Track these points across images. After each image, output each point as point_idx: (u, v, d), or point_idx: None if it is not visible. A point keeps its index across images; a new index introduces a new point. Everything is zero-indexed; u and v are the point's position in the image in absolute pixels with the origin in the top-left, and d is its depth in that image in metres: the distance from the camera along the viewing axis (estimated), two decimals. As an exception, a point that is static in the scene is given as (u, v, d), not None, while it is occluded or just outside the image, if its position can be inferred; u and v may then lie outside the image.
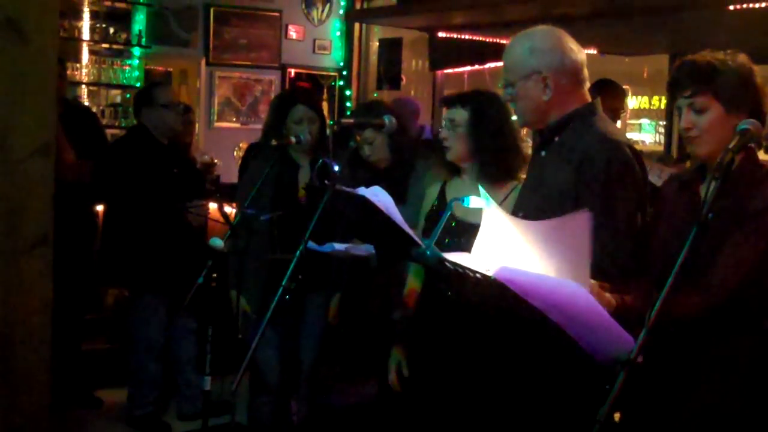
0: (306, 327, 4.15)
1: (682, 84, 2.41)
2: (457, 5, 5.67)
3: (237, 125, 8.11)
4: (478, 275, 2.05)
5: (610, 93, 5.52)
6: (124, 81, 7.31)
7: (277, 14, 8.18)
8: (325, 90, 8.51)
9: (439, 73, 7.60)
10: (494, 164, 3.26)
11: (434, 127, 6.80)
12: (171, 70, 7.75)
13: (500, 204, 3.17)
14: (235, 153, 7.81)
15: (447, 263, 2.22)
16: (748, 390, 2.38)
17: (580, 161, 2.64)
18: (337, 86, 8.55)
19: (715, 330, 2.35)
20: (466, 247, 3.13)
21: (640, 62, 9.01)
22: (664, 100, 9.01)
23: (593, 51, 7.29)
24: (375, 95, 8.70)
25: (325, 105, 8.46)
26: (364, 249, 3.42)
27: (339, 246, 3.40)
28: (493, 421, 3.02)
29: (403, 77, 8.36)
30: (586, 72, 2.82)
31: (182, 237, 4.77)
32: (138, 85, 7.27)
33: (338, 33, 8.53)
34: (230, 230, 3.51)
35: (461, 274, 2.17)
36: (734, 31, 5.51)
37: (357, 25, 8.50)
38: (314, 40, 8.43)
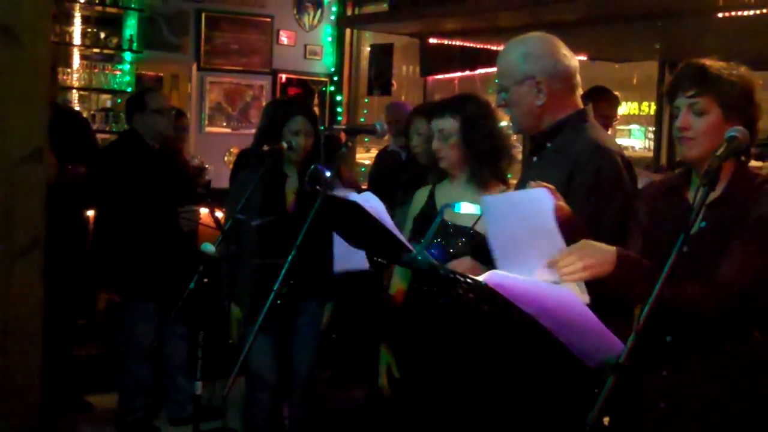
0: (300, 335, 4.15)
1: (685, 84, 2.42)
2: (448, 12, 5.69)
3: (228, 130, 8.12)
4: (469, 281, 2.07)
5: (603, 100, 5.57)
6: (115, 86, 7.31)
7: (268, 20, 8.19)
8: (316, 95, 8.52)
9: (429, 78, 7.63)
10: (486, 169, 3.28)
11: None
12: (162, 75, 7.77)
13: None
14: (225, 158, 7.83)
15: (438, 268, 2.24)
16: (737, 399, 2.39)
17: (570, 167, 2.67)
18: (327, 92, 8.57)
19: (706, 336, 2.36)
20: (453, 248, 3.17)
21: (630, 68, 9.07)
22: (653, 106, 9.05)
23: (583, 57, 7.33)
24: (366, 101, 8.72)
25: (316, 110, 8.48)
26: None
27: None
28: (483, 425, 3.03)
29: (394, 83, 8.38)
30: (578, 78, 2.85)
31: (173, 242, 4.77)
32: (129, 90, 7.27)
33: (329, 38, 8.55)
34: (221, 236, 3.52)
35: (452, 279, 2.18)
36: (723, 38, 5.56)
37: (348, 31, 8.52)
38: (305, 46, 8.44)
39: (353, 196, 2.79)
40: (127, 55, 7.35)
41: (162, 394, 5.11)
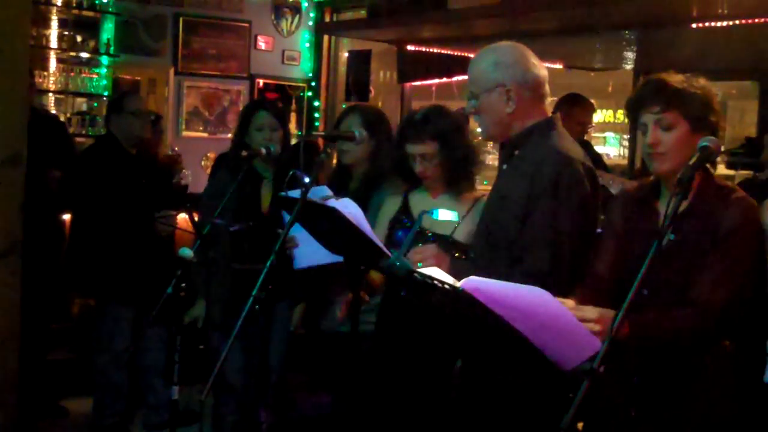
0: (271, 335, 4.16)
1: (649, 100, 2.46)
2: (425, 20, 5.73)
3: (205, 135, 8.11)
4: (446, 286, 2.09)
5: (579, 107, 5.63)
6: (92, 90, 7.27)
7: (246, 25, 8.20)
8: (294, 101, 8.53)
9: (407, 85, 7.66)
10: (462, 179, 3.36)
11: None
12: (139, 78, 7.74)
13: (465, 215, 3.26)
14: (203, 162, 7.82)
15: (416, 274, 2.27)
16: (707, 407, 2.43)
17: (532, 174, 2.73)
18: (305, 97, 8.58)
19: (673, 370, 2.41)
20: None
21: (605, 77, 9.14)
22: (628, 115, 9.13)
23: (559, 66, 7.39)
24: (344, 106, 8.73)
25: (293, 116, 8.49)
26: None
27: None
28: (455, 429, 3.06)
29: (372, 89, 8.40)
30: (547, 88, 2.91)
31: (150, 247, 4.76)
32: (106, 93, 7.25)
33: (307, 44, 8.56)
34: (200, 240, 3.53)
35: (429, 284, 2.21)
36: (697, 48, 5.62)
37: (326, 37, 8.54)
38: (283, 51, 8.46)
39: (332, 202, 2.82)
40: (104, 59, 7.32)
41: (137, 399, 5.10)
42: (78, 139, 6.69)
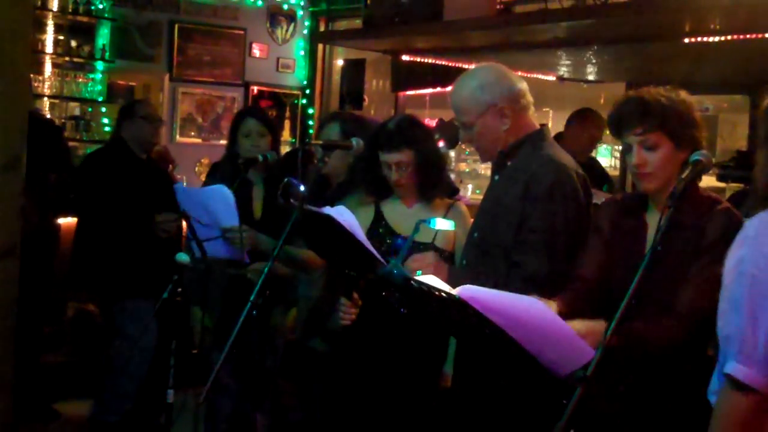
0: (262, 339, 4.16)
1: (631, 122, 2.50)
2: (421, 31, 5.76)
3: (198, 141, 8.13)
4: (443, 294, 2.13)
5: (590, 121, 5.73)
6: (87, 95, 7.30)
7: (241, 32, 8.23)
8: (288, 108, 8.56)
9: (401, 94, 7.69)
10: (435, 186, 3.42)
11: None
12: (134, 84, 7.76)
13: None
14: (196, 168, 7.84)
15: (413, 282, 2.30)
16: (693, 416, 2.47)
17: (526, 180, 2.79)
18: (299, 105, 8.61)
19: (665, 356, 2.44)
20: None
21: (598, 88, 9.19)
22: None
23: (552, 77, 7.45)
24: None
25: (287, 123, 8.52)
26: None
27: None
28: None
29: (366, 97, 8.44)
30: (529, 97, 2.97)
31: (158, 248, 4.75)
32: (101, 99, 7.28)
33: (302, 52, 8.60)
34: (198, 246, 3.56)
35: (426, 292, 2.24)
36: (689, 63, 5.68)
37: (320, 45, 8.57)
38: (278, 59, 8.49)
39: (327, 210, 2.85)
40: (99, 65, 7.35)
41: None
42: (71, 144, 6.70)
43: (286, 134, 8.43)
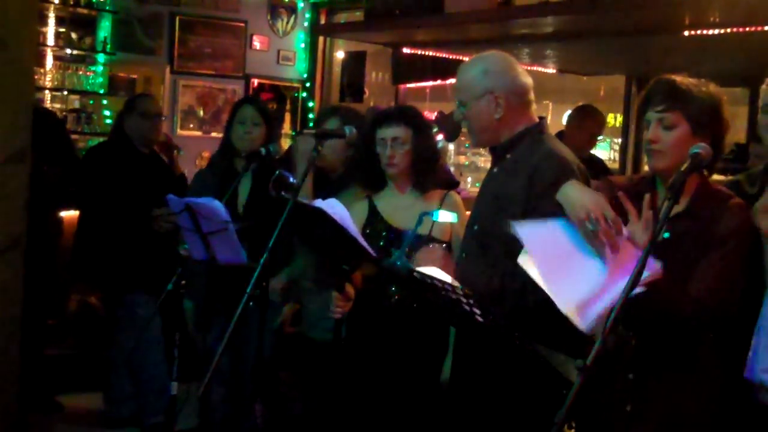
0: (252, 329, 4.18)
1: (656, 99, 2.53)
2: (421, 23, 5.78)
3: (199, 133, 8.14)
4: (447, 286, 2.15)
5: (591, 119, 5.75)
6: (88, 87, 7.30)
7: (242, 24, 8.23)
8: (288, 101, 8.57)
9: (401, 86, 7.71)
10: (428, 176, 3.45)
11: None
12: (135, 77, 7.75)
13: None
14: (197, 161, 7.85)
15: (416, 274, 2.33)
16: (702, 402, 2.50)
17: (530, 173, 2.82)
18: (300, 97, 8.62)
19: (666, 339, 2.47)
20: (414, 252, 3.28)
21: (597, 81, 9.22)
22: (619, 118, 9.21)
23: (552, 70, 7.47)
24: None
25: (287, 116, 8.53)
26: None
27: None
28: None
29: (366, 90, 8.45)
30: (533, 95, 3.01)
31: (161, 242, 4.77)
32: (102, 91, 7.29)
33: (302, 45, 8.60)
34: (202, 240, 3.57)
35: (429, 284, 2.27)
36: (688, 56, 5.70)
37: (321, 37, 8.58)
38: (278, 51, 8.49)
39: (318, 203, 2.87)
40: (101, 57, 7.35)
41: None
42: (73, 136, 6.71)
43: (286, 127, 8.45)
